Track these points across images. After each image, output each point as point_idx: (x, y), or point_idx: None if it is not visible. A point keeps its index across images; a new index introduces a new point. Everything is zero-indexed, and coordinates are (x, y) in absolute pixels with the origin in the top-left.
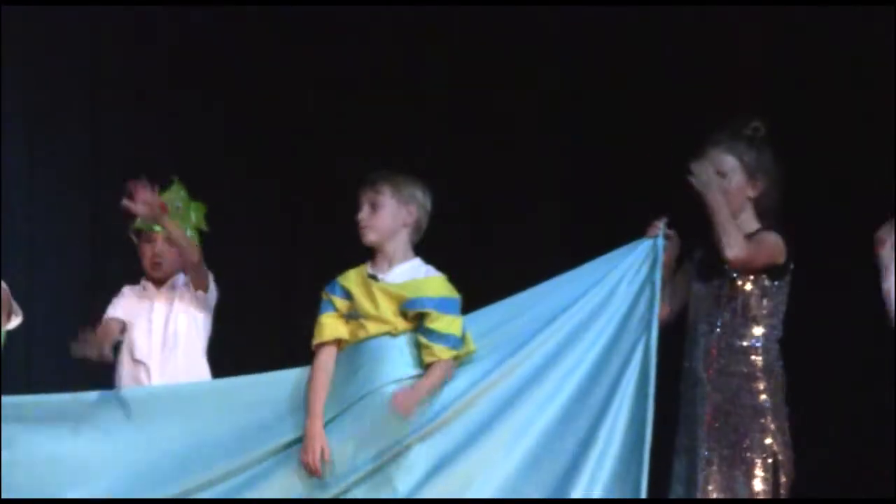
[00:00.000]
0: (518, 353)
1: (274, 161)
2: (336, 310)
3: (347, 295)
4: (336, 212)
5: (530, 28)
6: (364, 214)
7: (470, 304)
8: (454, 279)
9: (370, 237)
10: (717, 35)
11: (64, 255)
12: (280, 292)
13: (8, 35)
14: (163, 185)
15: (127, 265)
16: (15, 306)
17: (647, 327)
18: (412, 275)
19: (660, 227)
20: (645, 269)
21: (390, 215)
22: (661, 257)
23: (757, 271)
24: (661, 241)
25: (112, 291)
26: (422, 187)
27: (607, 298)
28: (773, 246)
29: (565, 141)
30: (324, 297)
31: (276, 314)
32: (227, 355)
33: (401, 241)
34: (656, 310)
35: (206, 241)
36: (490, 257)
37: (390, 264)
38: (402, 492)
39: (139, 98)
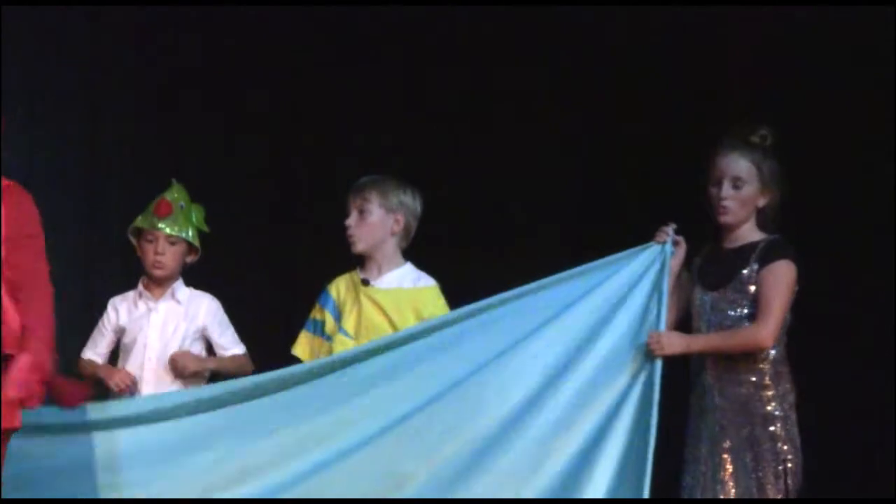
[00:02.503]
0: (518, 351)
1: (274, 158)
2: (322, 332)
3: (337, 311)
4: (336, 209)
5: (532, 27)
6: (352, 221)
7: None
8: (451, 280)
9: (358, 246)
10: (721, 37)
11: (61, 256)
12: (279, 290)
13: (8, 36)
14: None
15: (124, 266)
16: None
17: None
18: (402, 282)
19: (669, 232)
20: (652, 275)
21: (378, 224)
22: (669, 263)
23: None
24: (669, 248)
25: (109, 292)
26: (411, 192)
27: (616, 303)
28: (789, 278)
29: (567, 144)
30: (316, 313)
31: (275, 314)
32: None
33: (389, 248)
34: (664, 318)
35: (207, 240)
36: (489, 258)
37: (380, 271)
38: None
39: (138, 97)
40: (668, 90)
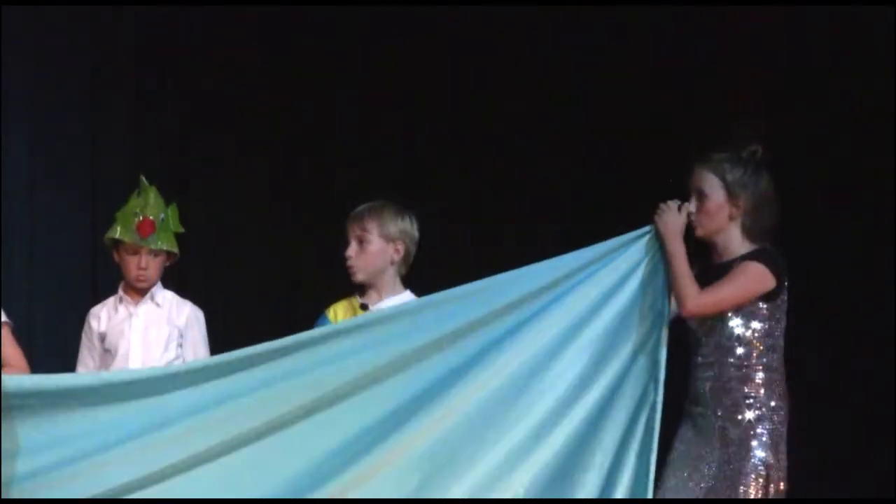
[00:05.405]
0: (520, 335)
1: (278, 166)
2: None
3: None
4: (339, 216)
5: (527, 26)
6: (352, 252)
7: None
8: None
9: (359, 276)
10: (717, 32)
11: (64, 263)
12: (279, 312)
13: (7, 37)
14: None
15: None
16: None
17: (660, 319)
18: None
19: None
20: (657, 258)
21: (378, 253)
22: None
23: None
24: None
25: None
26: (409, 218)
27: (618, 285)
28: (753, 279)
29: (565, 141)
30: None
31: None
32: None
33: (389, 276)
34: (668, 301)
35: (208, 246)
36: (487, 258)
37: (380, 297)
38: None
39: (140, 100)
40: (665, 88)
